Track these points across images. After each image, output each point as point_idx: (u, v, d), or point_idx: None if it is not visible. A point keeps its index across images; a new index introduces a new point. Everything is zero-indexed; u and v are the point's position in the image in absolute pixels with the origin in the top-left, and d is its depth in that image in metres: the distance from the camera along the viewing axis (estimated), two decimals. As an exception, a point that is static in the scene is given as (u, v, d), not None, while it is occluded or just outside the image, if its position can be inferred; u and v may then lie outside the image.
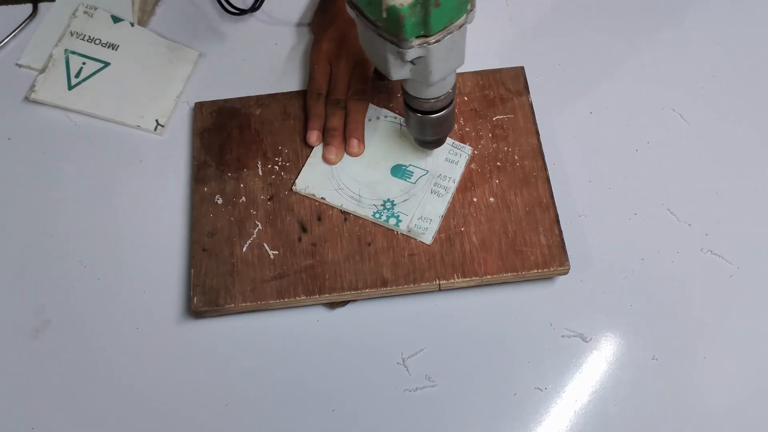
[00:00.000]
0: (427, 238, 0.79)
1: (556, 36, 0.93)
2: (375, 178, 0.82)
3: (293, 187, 0.81)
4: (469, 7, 0.63)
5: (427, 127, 0.76)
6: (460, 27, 0.63)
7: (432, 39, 0.62)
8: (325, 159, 0.82)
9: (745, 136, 0.87)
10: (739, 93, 0.89)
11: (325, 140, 0.83)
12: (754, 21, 0.94)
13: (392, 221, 0.79)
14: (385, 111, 0.85)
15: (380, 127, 0.85)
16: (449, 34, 0.62)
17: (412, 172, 0.82)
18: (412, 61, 0.64)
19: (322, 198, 0.80)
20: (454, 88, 0.72)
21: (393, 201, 0.81)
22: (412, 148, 0.83)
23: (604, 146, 0.86)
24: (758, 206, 0.83)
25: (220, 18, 0.95)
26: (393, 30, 0.61)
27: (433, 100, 0.72)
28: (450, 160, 0.83)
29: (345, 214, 0.80)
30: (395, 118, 0.85)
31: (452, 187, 0.81)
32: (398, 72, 0.66)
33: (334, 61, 0.86)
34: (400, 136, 0.84)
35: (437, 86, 0.70)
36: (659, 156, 0.86)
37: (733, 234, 0.82)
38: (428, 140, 0.79)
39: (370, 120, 0.84)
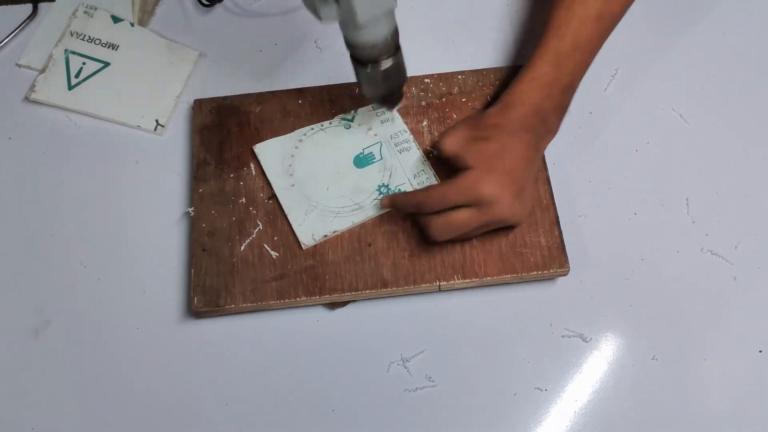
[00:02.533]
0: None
1: (556, 36, 0.93)
2: (352, 181, 0.81)
3: (303, 248, 0.78)
4: None
5: (376, 79, 0.75)
6: None
7: None
8: (383, 201, 0.79)
9: (745, 136, 0.87)
10: (739, 93, 0.89)
11: (392, 201, 0.78)
12: (755, 21, 0.94)
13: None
14: (300, 131, 0.84)
15: (310, 142, 0.83)
16: None
17: (371, 152, 0.83)
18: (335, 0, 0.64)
19: (333, 232, 0.79)
20: (394, 37, 0.72)
21: (384, 184, 0.81)
22: (350, 137, 0.83)
23: (604, 146, 0.86)
24: (758, 206, 0.83)
25: (220, 18, 0.95)
26: None
27: (370, 47, 0.71)
28: (385, 120, 0.84)
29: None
30: (312, 128, 0.84)
31: (409, 136, 0.83)
32: (326, 12, 0.66)
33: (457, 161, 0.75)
34: (332, 137, 0.84)
35: (372, 31, 0.69)
36: (659, 156, 0.86)
37: (733, 234, 0.82)
38: (383, 94, 0.78)
39: (297, 147, 0.83)
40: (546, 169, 0.82)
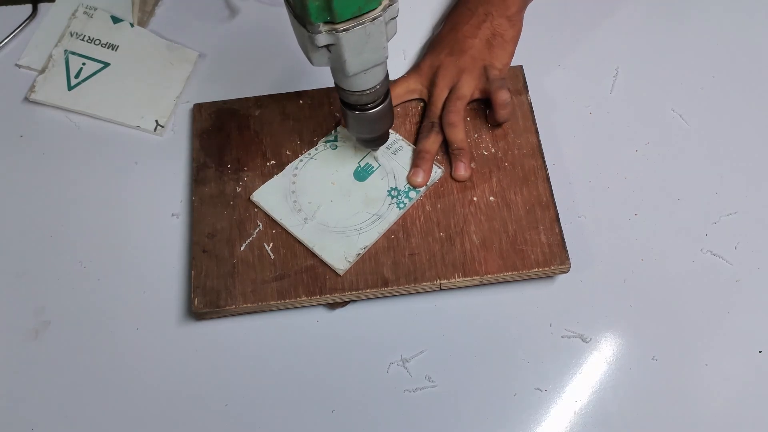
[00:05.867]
0: (439, 173, 0.82)
1: (555, 36, 0.93)
2: (360, 195, 0.81)
3: (341, 274, 0.77)
4: (385, 1, 0.62)
5: (363, 123, 0.75)
6: (373, 20, 0.62)
7: (340, 27, 0.62)
8: (413, 182, 0.81)
9: (744, 136, 0.87)
10: (738, 93, 0.89)
11: (415, 162, 0.82)
12: (754, 21, 0.94)
13: (413, 194, 0.81)
14: (291, 166, 0.83)
15: (305, 174, 0.82)
16: (360, 25, 0.62)
17: (367, 163, 0.83)
18: (328, 48, 0.64)
19: (364, 248, 0.78)
20: (384, 84, 0.72)
21: (392, 187, 0.81)
22: (341, 156, 0.83)
23: (604, 146, 0.86)
24: (758, 207, 0.83)
25: (220, 19, 0.95)
26: (300, 13, 0.61)
27: (357, 93, 0.71)
28: None
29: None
30: (301, 160, 0.83)
31: (397, 136, 0.84)
32: (317, 58, 0.66)
33: (432, 81, 0.85)
34: (324, 162, 0.83)
35: (360, 79, 0.69)
36: (659, 156, 0.86)
37: (733, 234, 0.82)
38: (367, 138, 0.78)
39: (294, 183, 0.82)
40: (545, 167, 0.82)
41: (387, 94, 0.74)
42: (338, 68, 0.67)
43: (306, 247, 0.79)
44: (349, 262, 0.78)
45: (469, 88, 0.84)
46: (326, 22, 0.61)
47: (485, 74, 0.84)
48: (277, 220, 0.80)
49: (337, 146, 0.84)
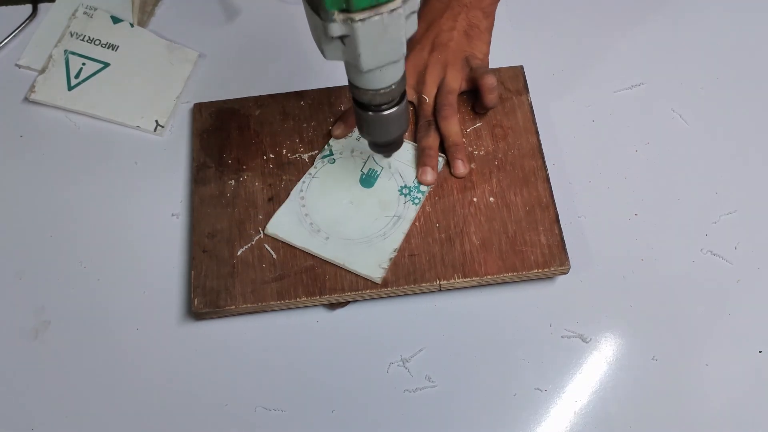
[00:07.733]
0: (442, 162, 0.83)
1: (555, 36, 0.93)
2: (374, 200, 0.81)
3: (379, 282, 0.76)
4: None
5: (376, 125, 0.73)
6: (392, 11, 0.59)
7: (356, 16, 0.59)
8: (423, 180, 0.81)
9: (744, 136, 0.87)
10: (739, 94, 0.89)
11: (422, 161, 0.82)
12: (755, 22, 0.94)
13: (424, 188, 0.81)
14: (296, 190, 0.82)
15: (311, 195, 0.81)
16: (377, 15, 0.59)
17: (370, 168, 0.83)
18: (342, 40, 0.62)
19: (394, 251, 0.77)
20: (400, 84, 0.69)
21: (402, 185, 0.81)
22: (342, 168, 0.83)
23: (604, 146, 0.86)
24: (758, 207, 0.83)
25: (220, 18, 0.95)
26: None
27: (372, 92, 0.68)
28: (360, 137, 0.83)
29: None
30: (303, 182, 0.82)
31: None
32: (331, 51, 0.63)
33: (420, 80, 0.85)
34: (327, 179, 0.82)
35: (375, 76, 0.66)
36: (659, 156, 0.86)
37: (733, 234, 0.82)
38: (380, 142, 0.76)
39: (304, 206, 0.80)
40: (545, 168, 0.82)
41: (403, 96, 0.71)
42: (352, 63, 0.64)
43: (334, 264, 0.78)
44: (384, 269, 0.77)
45: (456, 81, 0.84)
46: (342, 11, 0.59)
47: (468, 64, 0.84)
48: (298, 247, 0.79)
49: (335, 160, 0.84)
